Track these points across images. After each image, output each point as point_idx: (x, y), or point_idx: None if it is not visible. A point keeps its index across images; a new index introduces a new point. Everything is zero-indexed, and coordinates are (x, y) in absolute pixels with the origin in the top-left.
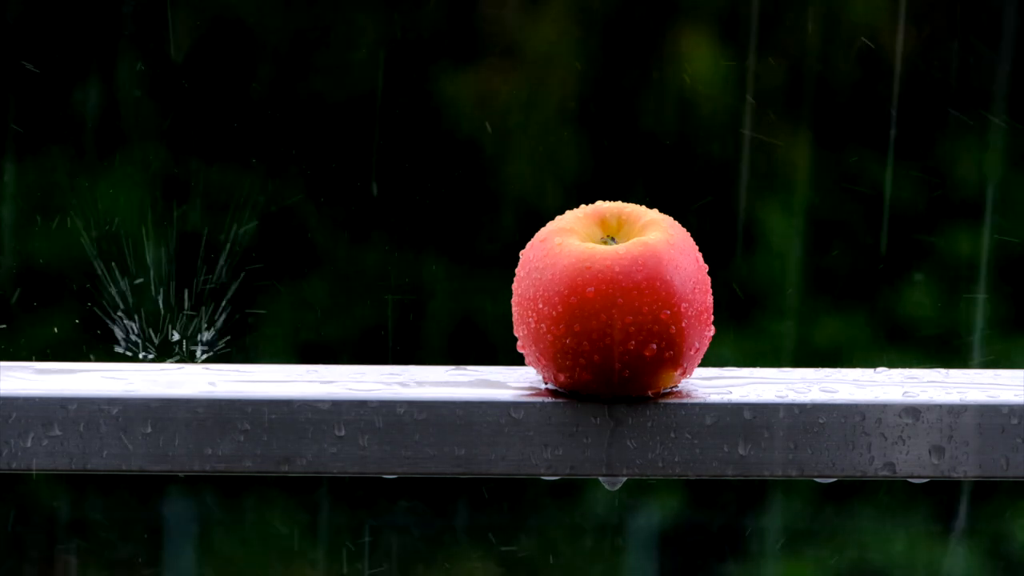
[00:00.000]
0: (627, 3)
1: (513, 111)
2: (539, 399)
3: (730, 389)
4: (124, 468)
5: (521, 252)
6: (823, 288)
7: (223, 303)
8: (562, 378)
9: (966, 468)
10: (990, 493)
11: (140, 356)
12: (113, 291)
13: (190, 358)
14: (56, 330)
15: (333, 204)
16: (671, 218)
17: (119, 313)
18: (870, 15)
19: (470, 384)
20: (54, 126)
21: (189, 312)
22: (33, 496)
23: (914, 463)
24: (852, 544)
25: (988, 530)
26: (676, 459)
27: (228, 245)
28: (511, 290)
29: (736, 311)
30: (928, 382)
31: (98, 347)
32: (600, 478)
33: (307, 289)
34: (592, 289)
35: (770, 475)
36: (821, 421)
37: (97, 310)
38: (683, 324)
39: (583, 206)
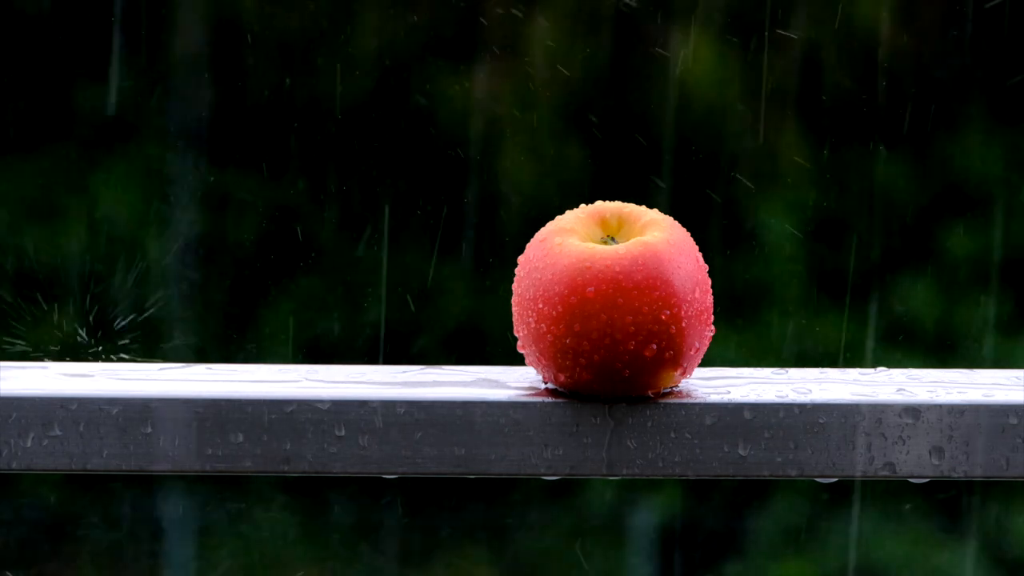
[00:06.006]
0: (627, 2)
1: (512, 110)
2: (539, 399)
3: (730, 389)
4: (124, 468)
5: (521, 252)
6: (823, 288)
7: (223, 303)
8: (562, 378)
9: (966, 468)
10: (990, 493)
11: (139, 356)
12: (114, 291)
13: (188, 357)
14: (56, 330)
15: (333, 204)
16: (671, 218)
17: (120, 313)
18: (872, 13)
19: (470, 384)
20: (54, 126)
21: (189, 312)
22: (33, 496)
23: (914, 463)
24: (852, 544)
25: (988, 530)
26: (676, 459)
27: (228, 245)
28: (511, 290)
29: (736, 311)
30: (928, 382)
31: (99, 347)
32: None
33: (307, 289)
34: (592, 289)
35: (770, 475)
36: (821, 421)
37: (98, 310)
38: (683, 324)
39: (583, 206)
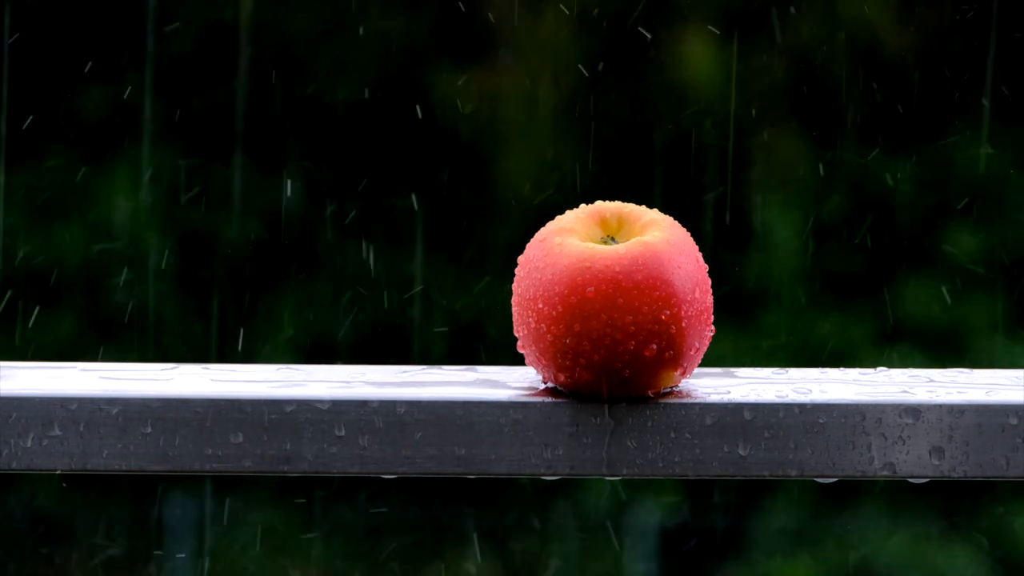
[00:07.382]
0: (627, 2)
1: (512, 110)
2: (539, 399)
3: (730, 389)
4: (124, 468)
5: (520, 252)
6: (823, 287)
7: (223, 303)
8: (562, 378)
9: (966, 468)
10: (990, 493)
11: (139, 356)
12: (113, 291)
13: (187, 357)
14: (56, 330)
15: (333, 204)
16: (671, 218)
17: (119, 313)
18: (870, 13)
19: (470, 384)
20: (55, 126)
21: (189, 312)
22: (32, 496)
23: (914, 463)
24: (852, 544)
25: (988, 530)
26: (676, 459)
27: (228, 245)
28: (511, 290)
29: (736, 310)
30: (928, 382)
31: (99, 347)
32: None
33: (307, 289)
34: (592, 289)
35: (770, 475)
36: (821, 421)
37: (98, 310)
38: (683, 324)
39: (583, 206)
